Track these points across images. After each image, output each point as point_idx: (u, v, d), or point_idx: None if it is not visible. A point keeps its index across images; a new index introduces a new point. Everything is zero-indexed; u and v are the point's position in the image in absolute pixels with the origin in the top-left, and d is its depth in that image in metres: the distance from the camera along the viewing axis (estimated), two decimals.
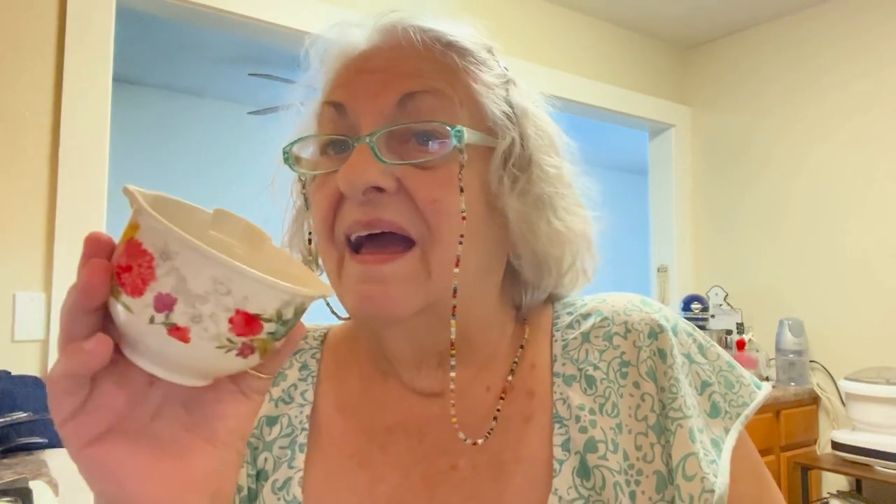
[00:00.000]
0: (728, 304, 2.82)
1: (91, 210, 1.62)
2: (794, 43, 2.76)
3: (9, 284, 1.54)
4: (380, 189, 0.47)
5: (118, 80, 1.72)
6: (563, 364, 0.54)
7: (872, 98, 2.53)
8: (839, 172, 2.60)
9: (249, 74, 3.70)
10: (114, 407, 0.35)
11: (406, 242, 0.49)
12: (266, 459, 0.55)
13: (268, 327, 0.33)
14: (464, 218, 0.48)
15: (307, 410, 0.57)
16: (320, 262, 0.55)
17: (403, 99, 0.49)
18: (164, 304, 0.31)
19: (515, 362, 0.56)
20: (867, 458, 2.16)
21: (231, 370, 0.35)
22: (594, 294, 0.60)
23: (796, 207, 2.72)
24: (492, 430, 0.53)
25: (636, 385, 0.52)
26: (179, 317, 0.31)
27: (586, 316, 0.56)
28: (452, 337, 0.50)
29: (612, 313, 0.55)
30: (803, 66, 2.73)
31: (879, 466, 2.14)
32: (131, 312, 0.31)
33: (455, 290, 0.49)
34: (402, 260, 0.48)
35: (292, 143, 0.55)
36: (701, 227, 3.05)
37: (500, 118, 0.51)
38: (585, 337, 0.55)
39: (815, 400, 2.59)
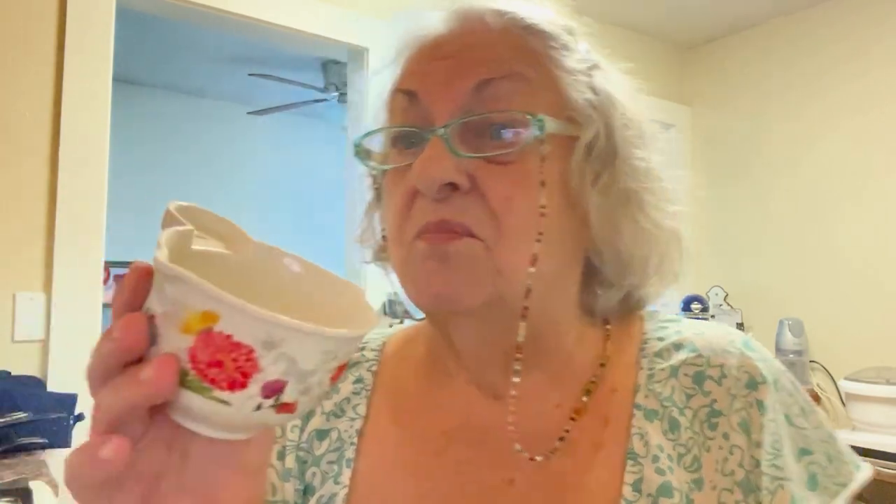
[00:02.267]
0: (728, 304, 2.82)
1: (91, 210, 1.61)
2: (794, 42, 2.76)
3: (9, 284, 1.54)
4: (454, 186, 0.44)
5: (118, 80, 1.72)
6: (646, 397, 0.49)
7: (872, 97, 2.53)
8: (839, 172, 2.60)
9: (249, 74, 3.70)
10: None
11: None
12: (314, 474, 0.54)
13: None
14: (543, 214, 0.45)
15: (357, 425, 0.54)
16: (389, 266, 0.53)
17: (480, 85, 0.45)
18: (274, 390, 0.29)
19: (594, 382, 0.51)
20: (867, 459, 2.15)
21: None
22: (691, 320, 0.55)
23: (796, 207, 2.72)
24: (555, 450, 0.48)
25: (725, 437, 0.47)
26: (289, 395, 0.29)
27: (678, 346, 0.51)
28: (520, 339, 0.46)
29: (708, 351, 0.50)
30: (803, 66, 2.73)
31: (879, 467, 2.14)
32: (229, 405, 0.28)
33: (528, 291, 0.45)
34: (467, 242, 0.44)
35: (363, 137, 0.51)
36: (701, 226, 3.05)
37: (584, 106, 0.47)
38: (674, 371, 0.49)
39: (815, 400, 2.59)
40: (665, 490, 0.45)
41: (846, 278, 2.56)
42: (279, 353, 0.28)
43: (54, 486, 1.12)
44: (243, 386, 0.28)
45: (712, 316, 2.78)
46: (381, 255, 0.56)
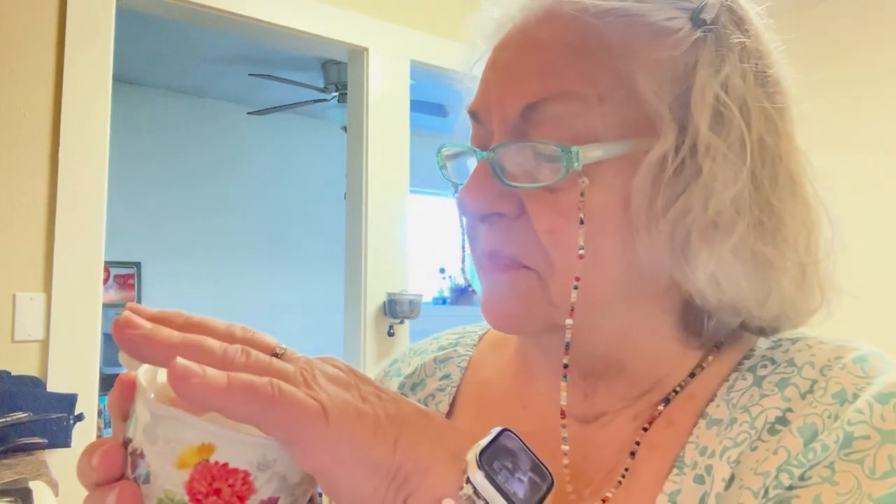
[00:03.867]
0: None
1: (91, 210, 1.62)
2: (794, 42, 2.76)
3: (9, 284, 1.54)
4: (500, 214, 0.41)
5: (118, 80, 1.72)
6: (718, 406, 0.43)
7: (872, 98, 2.53)
8: (839, 172, 2.60)
9: (249, 74, 3.71)
10: None
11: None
12: None
13: None
14: (581, 257, 0.39)
15: None
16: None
17: (526, 110, 0.40)
18: None
19: (676, 391, 0.45)
20: None
21: None
22: (818, 335, 0.45)
23: None
24: (627, 470, 0.43)
25: (779, 440, 0.38)
26: None
27: (776, 361, 0.43)
28: (566, 339, 0.41)
29: (804, 363, 0.41)
30: (803, 66, 2.73)
31: None
32: None
33: (568, 328, 0.41)
34: (516, 272, 0.42)
35: (439, 150, 0.48)
36: None
37: (664, 113, 0.39)
38: (758, 381, 0.42)
39: None
40: None
41: (846, 278, 2.56)
42: (272, 473, 0.29)
43: (54, 486, 1.12)
44: None
45: None
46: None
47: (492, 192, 0.41)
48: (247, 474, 0.29)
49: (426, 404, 0.55)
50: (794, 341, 0.45)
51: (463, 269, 0.51)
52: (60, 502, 1.09)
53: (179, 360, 0.28)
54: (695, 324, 0.46)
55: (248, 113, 4.15)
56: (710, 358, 0.46)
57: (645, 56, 0.39)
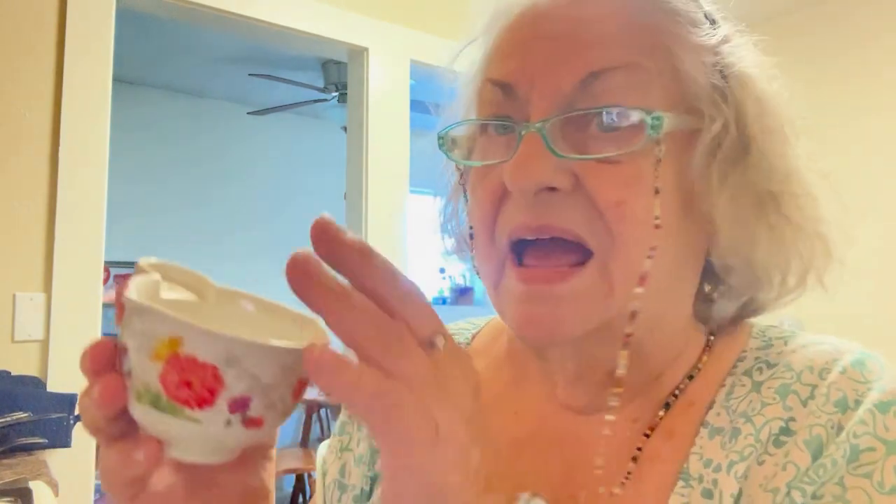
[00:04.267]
0: None
1: (91, 210, 1.62)
2: (794, 43, 2.76)
3: (9, 284, 1.54)
4: (553, 188, 0.39)
5: (118, 80, 1.72)
6: (718, 413, 0.42)
7: (873, 99, 2.53)
8: (839, 172, 2.60)
9: (249, 74, 3.71)
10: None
11: (579, 251, 0.40)
12: None
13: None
14: (658, 226, 0.39)
15: None
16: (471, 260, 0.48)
17: (588, 78, 0.39)
18: (240, 405, 0.31)
19: (675, 396, 0.45)
20: None
21: None
22: (808, 335, 0.46)
23: None
24: (630, 473, 0.43)
25: (786, 454, 0.38)
26: (255, 410, 0.31)
27: (773, 365, 0.43)
28: (621, 372, 0.41)
29: (802, 367, 0.41)
30: (804, 66, 2.73)
31: None
32: (199, 423, 0.31)
33: (634, 314, 0.40)
34: (579, 277, 0.39)
35: (447, 129, 0.46)
36: None
37: (710, 94, 0.40)
38: (757, 387, 0.42)
39: None
40: None
41: (846, 278, 2.56)
42: (241, 370, 0.30)
43: (54, 486, 1.12)
44: (210, 403, 0.30)
45: None
46: (462, 248, 0.51)
47: (548, 164, 0.38)
48: (215, 369, 0.30)
49: None
50: (784, 340, 0.45)
51: (470, 262, 0.49)
52: (60, 502, 1.09)
53: (318, 347, 0.28)
54: (698, 307, 0.47)
55: (248, 113, 4.15)
56: (705, 358, 0.46)
57: (687, 40, 0.41)
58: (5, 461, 1.24)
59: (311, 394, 4.84)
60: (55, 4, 1.62)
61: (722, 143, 0.40)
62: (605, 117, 0.39)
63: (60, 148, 1.59)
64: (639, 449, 0.43)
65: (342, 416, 0.59)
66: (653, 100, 0.39)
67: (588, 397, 0.46)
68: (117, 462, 0.33)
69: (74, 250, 1.59)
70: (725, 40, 0.42)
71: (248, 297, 0.40)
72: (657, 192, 0.39)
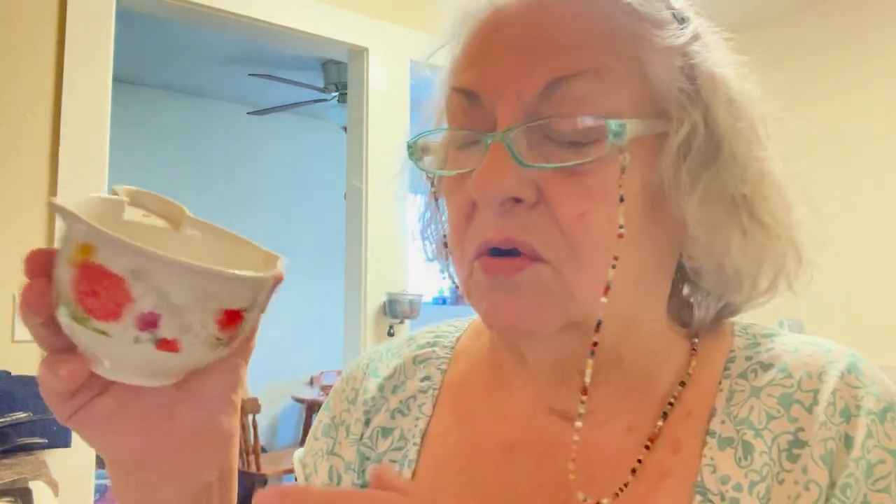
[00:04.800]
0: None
1: None
2: (795, 43, 2.76)
3: (9, 284, 1.54)
4: (517, 199, 0.39)
5: (118, 80, 1.72)
6: (723, 422, 0.42)
7: (873, 98, 2.53)
8: (839, 172, 2.60)
9: (249, 74, 3.71)
10: (103, 391, 0.36)
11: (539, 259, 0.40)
12: None
13: (248, 316, 0.34)
14: (621, 236, 0.38)
15: (422, 424, 0.51)
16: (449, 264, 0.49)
17: (549, 86, 0.38)
18: (148, 322, 0.30)
19: (671, 404, 0.44)
20: None
21: (216, 359, 0.36)
22: (792, 334, 0.47)
23: None
24: (626, 485, 0.42)
25: (804, 470, 0.39)
26: (166, 331, 0.31)
27: (767, 367, 0.43)
28: (586, 381, 0.41)
29: (800, 373, 0.42)
30: (804, 66, 2.73)
31: None
32: (108, 336, 0.31)
33: (599, 324, 0.40)
34: (534, 268, 0.39)
35: (416, 138, 0.46)
36: None
37: (678, 96, 0.39)
38: (755, 392, 0.42)
39: None
40: None
41: (846, 278, 2.56)
42: (148, 286, 0.29)
43: (54, 486, 1.12)
44: (117, 315, 0.30)
45: None
46: (442, 254, 0.51)
47: (512, 174, 0.38)
48: (122, 280, 0.29)
49: (408, 406, 0.54)
50: (769, 338, 0.46)
51: (444, 269, 0.50)
52: (60, 502, 1.09)
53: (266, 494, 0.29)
54: (679, 311, 0.47)
55: (248, 113, 4.15)
56: (694, 363, 0.46)
57: (653, 41, 0.40)
58: (5, 461, 1.24)
59: (311, 393, 4.85)
60: (55, 4, 1.62)
61: (692, 145, 0.39)
62: (567, 125, 0.38)
63: (60, 148, 1.59)
64: (639, 461, 0.43)
65: (325, 419, 0.58)
66: (618, 105, 0.38)
67: (571, 401, 0.45)
68: (44, 374, 0.33)
69: None
70: (694, 38, 0.41)
71: (221, 231, 0.40)
72: (622, 200, 0.38)
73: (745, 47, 0.45)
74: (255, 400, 3.60)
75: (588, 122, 0.38)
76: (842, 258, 2.65)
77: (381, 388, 0.56)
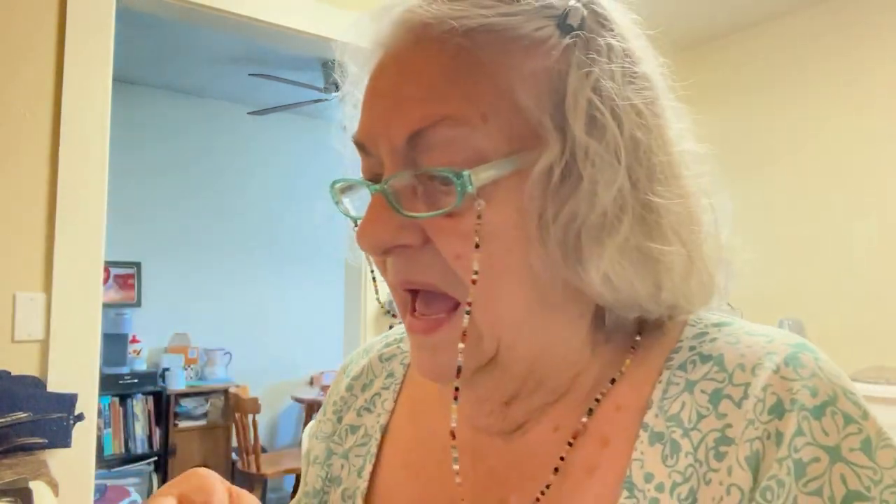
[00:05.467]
0: (728, 305, 2.81)
1: (91, 210, 1.61)
2: (795, 42, 2.76)
3: (9, 284, 1.54)
4: (405, 245, 0.40)
5: (118, 80, 1.72)
6: (656, 415, 0.41)
7: (874, 98, 2.53)
8: (840, 172, 2.60)
9: (249, 74, 3.71)
10: None
11: (452, 298, 0.41)
12: (342, 466, 0.55)
13: None
14: (474, 282, 0.39)
15: (383, 420, 0.54)
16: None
17: (412, 139, 0.39)
18: None
19: (597, 400, 0.44)
20: None
21: None
22: (744, 324, 0.45)
23: (796, 207, 2.72)
24: (549, 486, 0.43)
25: (729, 471, 0.38)
26: None
27: (706, 358, 0.42)
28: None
29: (733, 366, 0.41)
30: (805, 66, 2.73)
31: None
32: None
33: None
34: (447, 326, 0.41)
35: (334, 183, 0.47)
36: None
37: (546, 122, 0.38)
38: (689, 386, 0.41)
39: None
40: None
41: (846, 278, 2.56)
42: None
43: (54, 486, 1.12)
44: None
45: None
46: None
47: (392, 224, 0.39)
48: None
49: (373, 403, 0.56)
50: (719, 327, 0.45)
51: (385, 305, 0.52)
52: (60, 502, 1.09)
53: None
54: (601, 321, 0.46)
55: (248, 113, 4.15)
56: (628, 362, 0.45)
57: (520, 69, 0.38)
58: (5, 461, 1.24)
59: (311, 394, 4.84)
60: (55, 4, 1.62)
61: (553, 174, 0.38)
62: (431, 174, 0.39)
63: (60, 148, 1.59)
64: (561, 458, 0.43)
65: (322, 418, 0.60)
66: (479, 144, 0.38)
67: (496, 423, 0.47)
68: None
69: (74, 250, 1.59)
70: (571, 48, 0.39)
71: None
72: (477, 246, 0.38)
73: (760, 42, 0.45)
74: (255, 400, 3.61)
75: (437, 173, 0.38)
76: (842, 258, 2.66)
77: (349, 388, 0.59)
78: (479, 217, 0.38)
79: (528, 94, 0.38)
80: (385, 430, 0.54)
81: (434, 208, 0.39)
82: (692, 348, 0.44)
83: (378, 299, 0.49)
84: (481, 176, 0.37)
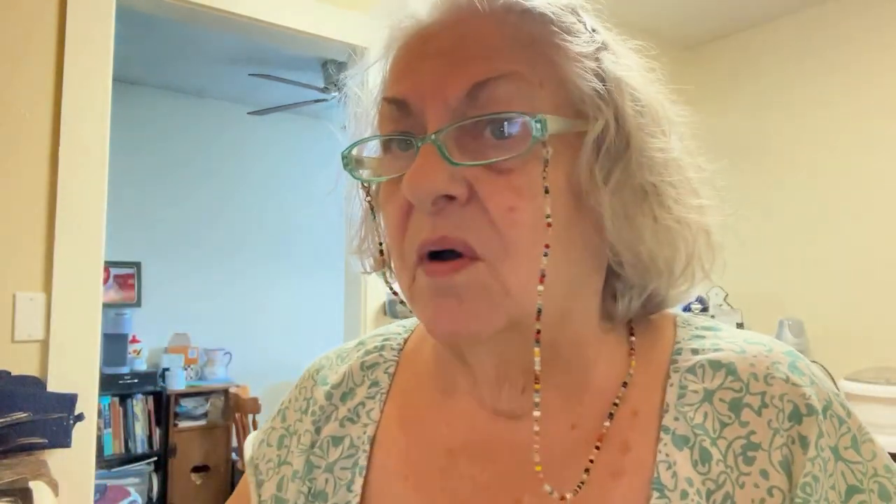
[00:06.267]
0: (728, 305, 2.82)
1: (91, 210, 1.61)
2: (795, 42, 2.76)
3: (9, 284, 1.54)
4: (451, 197, 0.41)
5: (118, 80, 1.72)
6: (676, 419, 0.44)
7: (874, 99, 2.53)
8: (840, 172, 2.60)
9: (249, 74, 3.70)
10: None
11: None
12: (327, 480, 0.53)
13: None
14: (549, 225, 0.40)
15: (370, 430, 0.53)
16: (390, 274, 0.50)
17: (474, 89, 0.41)
18: None
19: (616, 404, 0.46)
20: None
21: None
22: (731, 330, 0.49)
23: (797, 207, 2.72)
24: (582, 483, 0.44)
25: (764, 475, 0.41)
26: None
27: (716, 366, 0.45)
28: (537, 369, 0.42)
29: (747, 375, 0.44)
30: (805, 67, 2.73)
31: None
32: None
33: (539, 312, 0.41)
34: (471, 268, 0.41)
35: (350, 148, 0.47)
36: None
37: (591, 97, 0.42)
38: (708, 396, 0.44)
39: None
40: None
41: (846, 278, 2.56)
42: None
43: (54, 486, 1.12)
44: None
45: (712, 316, 2.79)
46: (381, 266, 0.53)
47: (443, 173, 0.40)
48: None
49: (357, 413, 0.55)
50: (710, 330, 0.49)
51: (385, 276, 0.51)
52: (60, 502, 1.09)
53: None
54: (607, 304, 0.49)
55: (248, 113, 4.14)
56: (634, 363, 0.48)
57: (567, 50, 0.43)
58: (5, 461, 1.24)
59: None
60: (55, 4, 1.62)
61: (604, 141, 0.42)
62: (493, 124, 0.41)
63: (60, 148, 1.58)
64: (591, 461, 0.44)
65: (279, 426, 0.59)
66: (539, 105, 0.41)
67: (513, 401, 0.47)
68: None
69: (74, 250, 1.59)
70: (604, 47, 0.45)
71: None
72: (546, 191, 0.40)
73: (761, 42, 0.48)
74: (255, 400, 3.61)
75: (512, 118, 0.40)
76: (842, 258, 2.66)
77: (329, 397, 0.57)
78: (546, 164, 0.40)
79: (575, 71, 0.42)
80: (373, 441, 0.53)
81: (479, 160, 0.41)
82: (695, 351, 0.47)
83: (390, 288, 0.48)
84: (552, 125, 0.40)
